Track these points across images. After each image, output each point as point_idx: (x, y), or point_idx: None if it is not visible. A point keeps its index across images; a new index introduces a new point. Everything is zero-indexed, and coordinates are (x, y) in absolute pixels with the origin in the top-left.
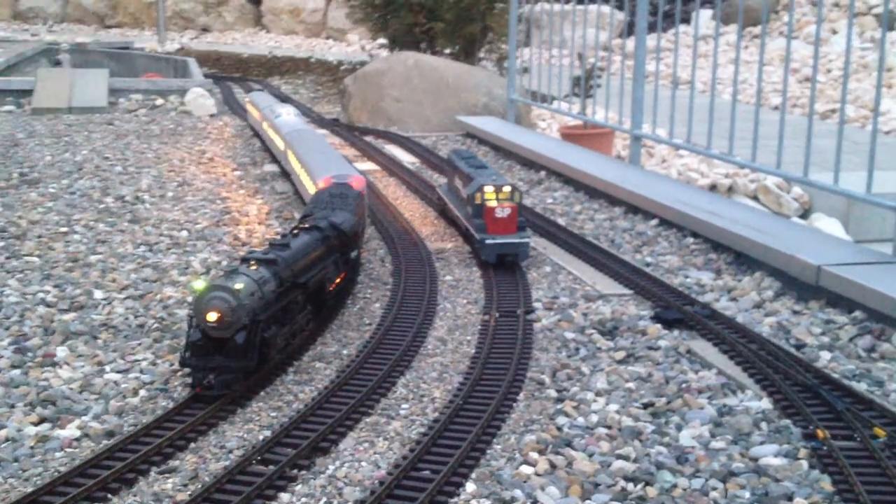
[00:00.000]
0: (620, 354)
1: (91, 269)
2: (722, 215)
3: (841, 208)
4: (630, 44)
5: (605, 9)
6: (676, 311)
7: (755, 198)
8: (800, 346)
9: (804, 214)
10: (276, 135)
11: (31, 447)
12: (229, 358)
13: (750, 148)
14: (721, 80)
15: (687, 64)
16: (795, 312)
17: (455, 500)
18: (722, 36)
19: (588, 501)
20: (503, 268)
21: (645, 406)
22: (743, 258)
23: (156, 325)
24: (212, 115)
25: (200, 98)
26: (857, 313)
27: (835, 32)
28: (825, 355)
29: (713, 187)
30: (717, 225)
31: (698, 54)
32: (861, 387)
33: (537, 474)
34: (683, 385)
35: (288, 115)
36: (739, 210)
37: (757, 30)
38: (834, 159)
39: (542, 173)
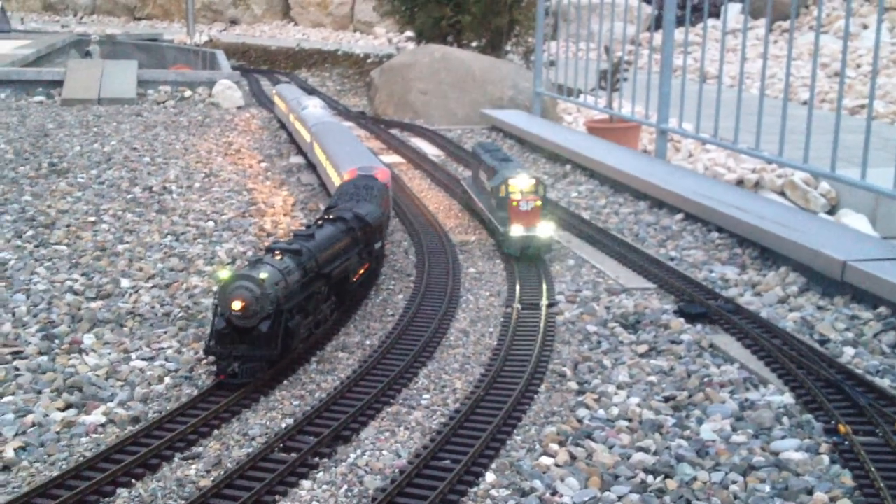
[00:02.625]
0: (643, 348)
1: (118, 259)
2: (748, 210)
3: (869, 204)
4: (658, 37)
5: (633, 2)
6: (700, 305)
7: (782, 193)
8: (823, 341)
9: (831, 210)
10: (303, 127)
11: (58, 432)
12: (253, 346)
13: (777, 143)
14: (749, 74)
15: (715, 58)
16: (820, 308)
17: (475, 489)
18: (751, 30)
19: (607, 493)
20: (526, 260)
21: (666, 399)
22: (768, 253)
23: (181, 313)
24: (239, 107)
25: (228, 90)
26: (882, 309)
27: (865, 27)
28: (849, 351)
29: (740, 182)
30: (742, 220)
31: (726, 48)
32: (884, 383)
33: (557, 465)
34: (705, 379)
35: (314, 107)
36: (766, 205)
37: (786, 24)
38: (862, 155)
39: (568, 167)
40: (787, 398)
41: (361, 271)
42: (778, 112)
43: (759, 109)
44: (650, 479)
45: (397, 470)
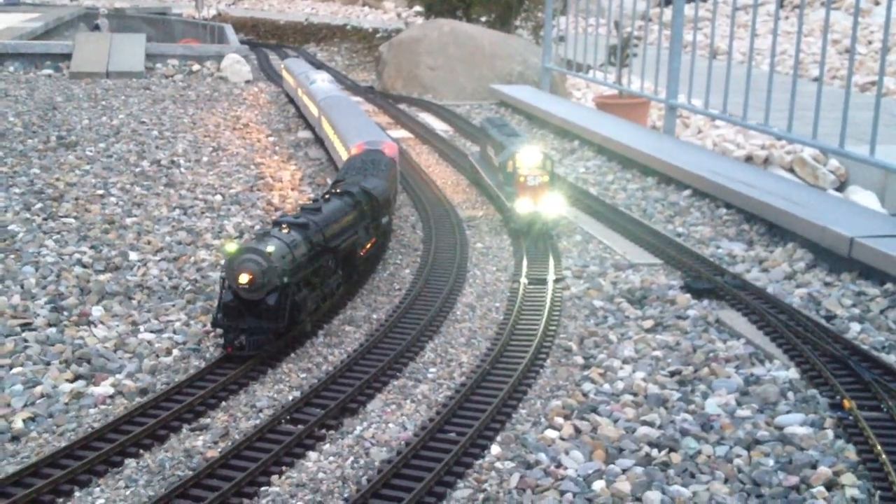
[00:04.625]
0: (649, 323)
1: (127, 232)
2: (756, 186)
3: (877, 181)
4: (668, 13)
5: None
6: (706, 281)
7: (791, 170)
8: (830, 317)
9: (840, 187)
10: (311, 101)
11: (66, 403)
12: (261, 319)
13: (786, 119)
14: (759, 50)
15: (725, 34)
16: (827, 284)
17: (480, 462)
18: (761, 6)
19: (612, 466)
20: (533, 236)
21: (672, 374)
22: (776, 229)
23: (189, 286)
24: (247, 81)
25: (236, 64)
26: (889, 285)
27: (877, 3)
28: (855, 327)
29: (749, 158)
30: (750, 196)
31: (737, 24)
32: (890, 358)
33: (562, 438)
34: (711, 354)
35: (322, 81)
36: (774, 181)
37: (797, 0)
38: (871, 131)
39: (576, 142)
40: (793, 373)
41: (368, 245)
42: (787, 88)
43: (768, 86)
44: (655, 452)
45: (403, 442)
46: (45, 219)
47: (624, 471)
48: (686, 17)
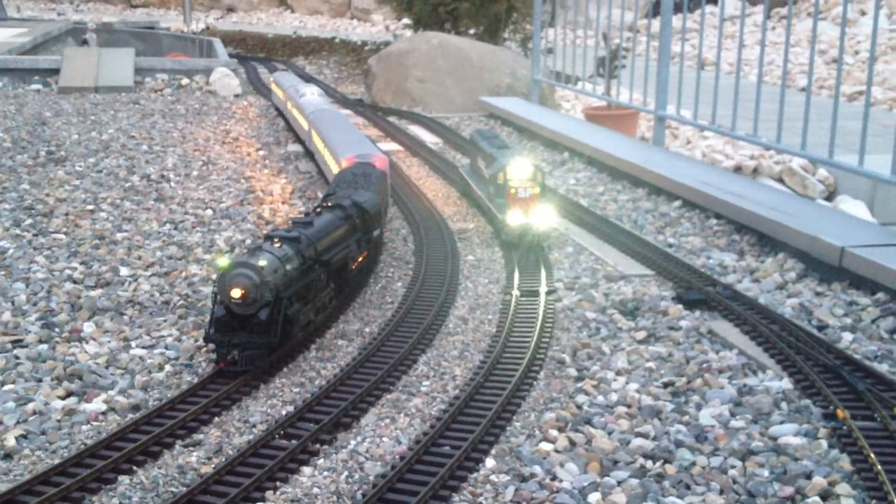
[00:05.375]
0: (641, 334)
1: (117, 247)
2: (746, 197)
3: (867, 190)
4: (656, 24)
5: None
6: (698, 291)
7: (780, 180)
8: (822, 327)
9: (829, 196)
10: (300, 115)
11: (58, 420)
12: (253, 334)
13: (775, 129)
14: (747, 61)
15: (713, 45)
16: (818, 294)
17: (475, 475)
18: (748, 16)
19: (607, 478)
20: (525, 248)
21: (665, 385)
22: (766, 240)
23: (181, 301)
24: (236, 95)
25: (225, 78)
26: (881, 295)
27: (863, 13)
28: (847, 336)
29: (738, 169)
30: (740, 206)
31: (724, 35)
32: (882, 368)
33: (556, 451)
34: (704, 365)
35: (312, 95)
36: (764, 192)
37: (784, 10)
38: (860, 141)
39: (566, 154)
40: (786, 383)
41: (360, 259)
42: (776, 99)
43: (756, 96)
44: (649, 464)
45: (398, 456)
46: (35, 234)
47: (619, 483)
48: (674, 28)
